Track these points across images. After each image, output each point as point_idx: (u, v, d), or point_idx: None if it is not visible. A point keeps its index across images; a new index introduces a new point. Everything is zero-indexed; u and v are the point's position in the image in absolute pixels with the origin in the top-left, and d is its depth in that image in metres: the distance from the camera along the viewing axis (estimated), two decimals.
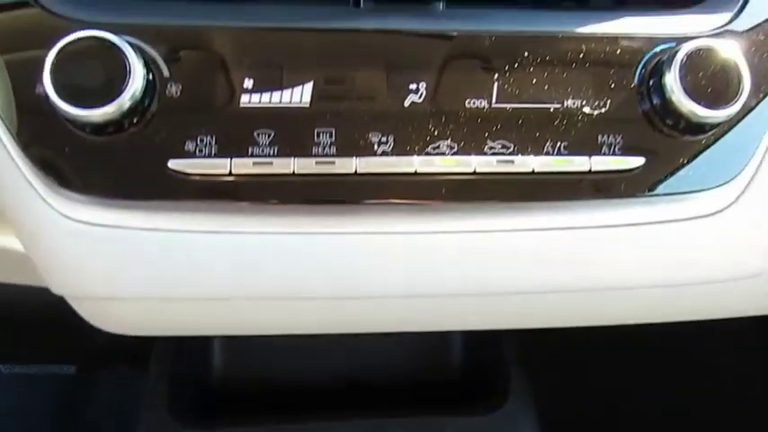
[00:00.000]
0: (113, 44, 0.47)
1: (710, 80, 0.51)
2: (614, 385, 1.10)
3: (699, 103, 0.51)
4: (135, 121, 0.48)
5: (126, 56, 0.47)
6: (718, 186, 0.54)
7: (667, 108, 0.52)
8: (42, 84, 0.46)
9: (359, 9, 0.53)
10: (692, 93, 0.51)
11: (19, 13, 0.51)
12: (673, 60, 0.51)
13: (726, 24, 0.56)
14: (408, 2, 0.54)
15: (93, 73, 0.46)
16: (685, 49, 0.52)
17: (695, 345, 0.99)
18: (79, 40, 0.47)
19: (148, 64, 0.49)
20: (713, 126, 0.53)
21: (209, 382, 1.18)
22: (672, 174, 0.53)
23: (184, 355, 1.12)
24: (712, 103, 0.51)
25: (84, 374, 1.27)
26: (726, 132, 0.53)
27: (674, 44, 0.54)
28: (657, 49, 0.54)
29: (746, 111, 0.53)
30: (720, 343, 0.99)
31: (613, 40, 0.54)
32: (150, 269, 0.51)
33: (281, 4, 0.54)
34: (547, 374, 1.03)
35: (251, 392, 1.12)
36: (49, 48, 0.46)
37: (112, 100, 0.46)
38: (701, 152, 0.53)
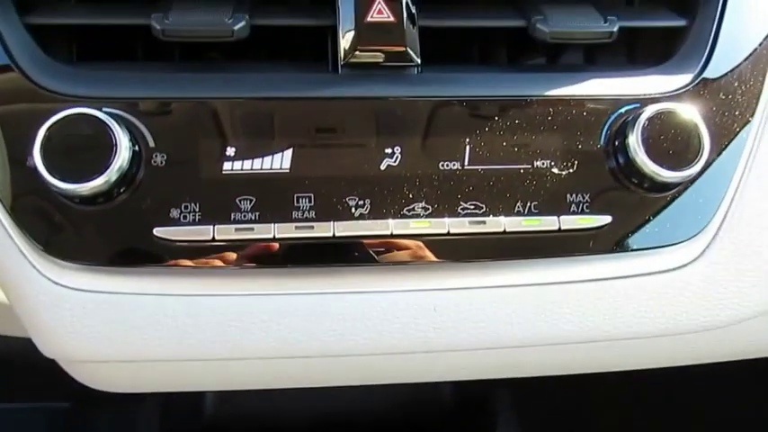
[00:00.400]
0: (99, 120, 0.49)
1: (672, 142, 0.54)
2: (603, 424, 1.10)
3: (661, 165, 0.53)
4: (122, 190, 0.50)
5: (112, 130, 0.49)
6: (684, 241, 0.56)
7: (631, 168, 0.54)
8: (32, 158, 0.48)
9: (337, 75, 0.56)
10: (654, 155, 0.53)
11: (7, 83, 0.53)
12: (635, 123, 0.54)
13: (688, 84, 0.58)
14: (385, 68, 0.56)
15: (81, 149, 0.49)
16: (647, 112, 0.54)
17: (685, 387, 1.00)
18: (66, 117, 0.49)
19: (134, 135, 0.51)
20: (677, 184, 0.55)
21: (201, 417, 1.19)
22: (638, 230, 0.55)
23: (177, 392, 1.14)
24: (674, 165, 0.53)
25: (77, 410, 1.28)
26: (690, 189, 0.56)
27: (638, 105, 0.57)
28: (622, 110, 0.57)
29: (708, 169, 0.55)
30: (709, 386, 1.00)
31: (580, 102, 0.56)
32: (138, 333, 0.53)
33: (262, 73, 0.57)
34: (535, 414, 1.04)
35: (242, 428, 1.13)
36: (38, 125, 0.49)
37: (100, 174, 0.48)
38: (666, 209, 0.56)
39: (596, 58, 0.66)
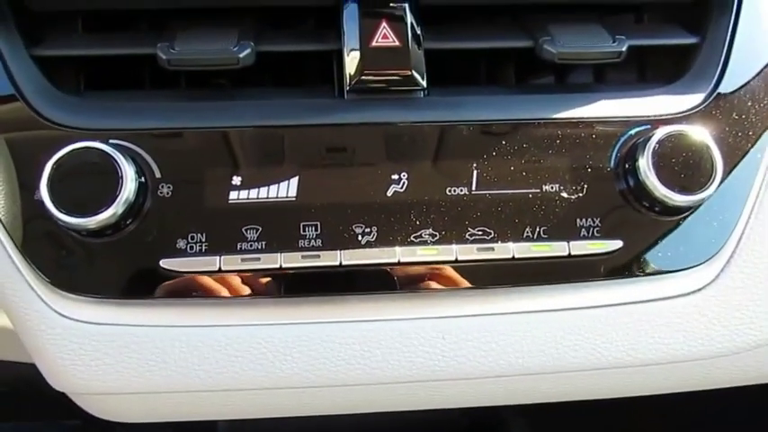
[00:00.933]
0: (105, 152, 0.49)
1: (683, 165, 0.53)
2: None
3: (672, 189, 0.52)
4: (129, 222, 0.50)
5: (117, 162, 0.49)
6: (697, 265, 0.55)
7: (642, 191, 0.53)
8: (40, 192, 0.49)
9: (343, 101, 0.56)
10: (665, 178, 0.52)
11: (15, 116, 0.53)
12: (646, 145, 0.53)
13: (700, 105, 0.57)
14: (391, 91, 0.56)
15: (88, 182, 0.49)
16: (657, 134, 0.53)
17: (706, 412, 0.98)
18: (73, 151, 0.49)
19: (140, 166, 0.51)
20: (689, 208, 0.54)
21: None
22: (650, 255, 0.54)
23: None
24: (685, 189, 0.52)
25: (89, 427, 1.28)
26: (702, 212, 0.55)
27: (648, 126, 0.56)
28: (632, 132, 0.56)
29: (722, 191, 0.54)
30: (727, 408, 0.98)
31: (589, 124, 0.56)
32: (146, 364, 0.52)
33: (268, 99, 0.56)
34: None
35: None
36: (45, 159, 0.49)
37: (107, 207, 0.48)
38: (678, 232, 0.55)
39: (606, 76, 0.65)
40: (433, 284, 0.52)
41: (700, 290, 0.55)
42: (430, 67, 0.57)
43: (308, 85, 0.62)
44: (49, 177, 0.48)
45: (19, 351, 0.60)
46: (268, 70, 0.61)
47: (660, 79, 0.62)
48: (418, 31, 0.57)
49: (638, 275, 0.54)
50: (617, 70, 0.64)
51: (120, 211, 0.49)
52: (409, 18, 0.57)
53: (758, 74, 0.59)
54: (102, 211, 0.48)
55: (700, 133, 0.54)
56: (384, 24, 0.57)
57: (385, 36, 0.57)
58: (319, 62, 0.60)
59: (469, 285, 0.52)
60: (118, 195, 0.49)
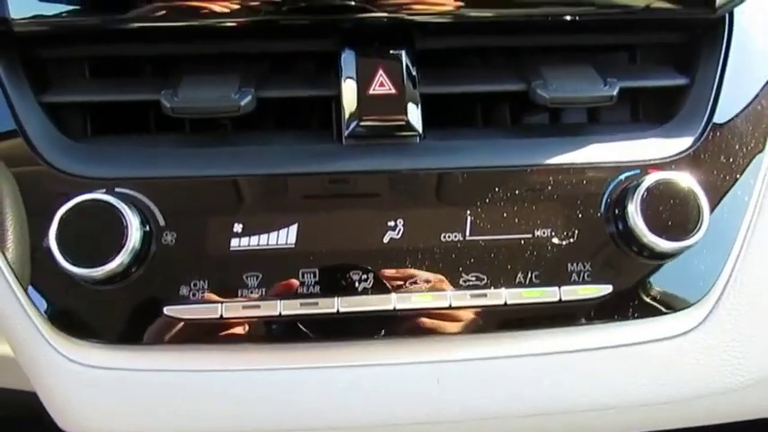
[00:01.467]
0: (110, 204, 0.51)
1: (671, 213, 0.54)
2: None
3: (660, 236, 0.54)
4: (134, 269, 0.52)
5: (123, 213, 0.51)
6: (686, 308, 0.56)
7: (631, 236, 0.55)
8: (48, 242, 0.51)
9: (341, 147, 0.57)
10: (653, 225, 0.54)
11: (23, 164, 0.55)
12: (635, 192, 0.55)
13: (688, 149, 0.59)
14: (388, 136, 0.58)
15: (95, 234, 0.51)
16: (646, 182, 0.55)
17: None
18: (79, 204, 0.51)
19: (145, 215, 0.53)
20: (677, 252, 0.55)
21: None
22: (639, 298, 0.56)
23: None
24: (673, 236, 0.54)
25: None
26: (690, 256, 0.56)
27: (638, 171, 0.57)
28: (622, 177, 0.57)
29: (709, 236, 0.55)
30: None
31: (580, 170, 0.57)
32: (150, 408, 0.54)
33: (269, 145, 0.58)
34: None
35: None
36: (53, 211, 0.51)
37: (114, 258, 0.50)
38: (666, 276, 0.56)
39: (599, 114, 0.66)
40: (428, 330, 0.54)
41: (689, 331, 0.57)
42: (427, 107, 0.59)
43: (309, 126, 0.64)
44: (57, 229, 0.50)
45: (20, 379, 0.62)
46: (270, 111, 0.63)
47: (652, 118, 0.64)
48: (414, 76, 0.58)
49: (627, 319, 0.56)
50: (610, 109, 0.65)
51: (127, 260, 0.51)
52: (405, 64, 0.59)
53: (744, 115, 0.61)
54: (109, 262, 0.50)
55: (687, 180, 0.55)
56: (381, 71, 0.58)
57: (381, 84, 0.58)
58: (320, 103, 0.62)
59: (463, 331, 0.54)
60: (124, 245, 0.50)
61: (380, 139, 0.58)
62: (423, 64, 0.60)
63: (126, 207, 0.51)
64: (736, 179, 0.59)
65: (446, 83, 0.61)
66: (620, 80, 0.61)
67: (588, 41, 0.65)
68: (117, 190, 0.53)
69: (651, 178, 0.55)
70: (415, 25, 0.60)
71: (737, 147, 0.60)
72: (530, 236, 0.56)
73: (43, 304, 0.53)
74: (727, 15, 0.64)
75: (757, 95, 0.62)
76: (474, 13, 0.59)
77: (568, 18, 0.60)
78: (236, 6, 0.57)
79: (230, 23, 0.58)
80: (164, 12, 0.57)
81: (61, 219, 0.51)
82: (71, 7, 0.57)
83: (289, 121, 0.65)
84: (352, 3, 0.57)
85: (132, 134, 0.61)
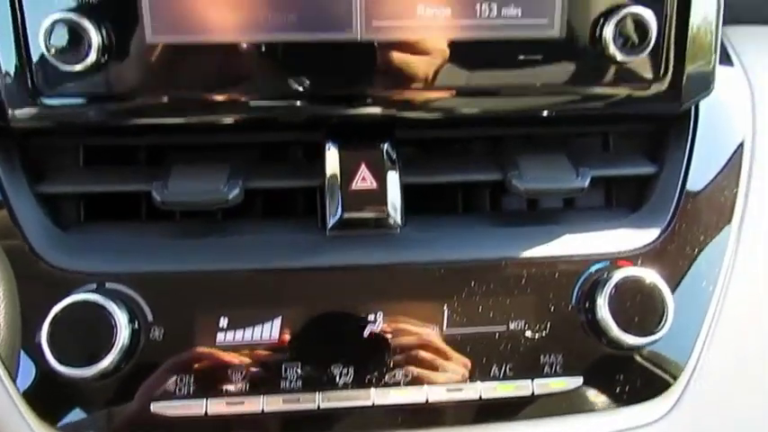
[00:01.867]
0: (99, 305, 0.53)
1: (637, 310, 0.57)
2: None
3: (626, 331, 0.56)
4: (122, 366, 0.54)
5: (111, 314, 0.53)
6: (653, 398, 0.59)
7: (599, 329, 0.57)
8: (39, 339, 0.53)
9: (325, 238, 0.60)
10: (620, 321, 0.56)
11: (17, 259, 0.57)
12: (604, 287, 0.57)
13: (654, 241, 0.62)
14: (369, 227, 0.60)
15: (85, 334, 0.53)
16: (614, 278, 0.57)
17: None
18: (71, 305, 0.53)
19: (134, 311, 0.55)
20: (644, 345, 0.58)
21: None
22: (608, 389, 0.58)
23: None
24: (639, 332, 0.56)
25: None
26: (657, 349, 0.59)
27: (607, 263, 0.60)
28: (593, 269, 0.60)
29: (675, 330, 0.58)
30: None
31: (553, 263, 0.60)
32: None
33: (256, 235, 0.60)
34: None
35: None
36: (44, 307, 0.53)
37: (103, 357, 0.52)
38: (634, 367, 0.59)
39: (574, 199, 0.69)
40: (407, 424, 0.56)
41: (656, 421, 0.59)
42: (409, 192, 0.61)
43: (296, 211, 0.66)
44: (48, 330, 0.52)
45: None
46: (259, 195, 0.65)
47: (624, 204, 0.66)
48: (396, 168, 0.61)
49: (597, 410, 0.58)
50: (584, 194, 0.68)
51: (117, 359, 0.53)
52: (386, 156, 0.62)
53: (708, 204, 0.64)
54: (99, 361, 0.52)
55: (652, 276, 0.58)
56: (363, 167, 0.61)
57: (364, 179, 0.61)
58: (306, 191, 0.64)
59: (440, 424, 0.56)
60: (114, 344, 0.53)
61: (363, 230, 0.60)
62: (405, 145, 0.63)
63: (115, 306, 0.53)
64: (701, 270, 0.61)
65: (426, 173, 0.64)
66: (592, 169, 0.64)
67: (563, 131, 0.69)
68: (107, 286, 0.55)
69: (619, 274, 0.57)
70: (397, 120, 0.63)
71: (702, 237, 0.62)
72: (504, 329, 0.58)
73: (29, 394, 0.55)
74: (692, 107, 0.67)
75: (719, 185, 0.65)
76: (455, 108, 0.62)
77: (545, 113, 0.63)
78: (226, 101, 0.59)
79: (222, 120, 0.60)
80: (157, 107, 0.59)
81: (52, 320, 0.53)
82: (67, 101, 0.59)
83: (276, 205, 0.67)
84: (340, 94, 0.60)
85: (123, 222, 0.63)
